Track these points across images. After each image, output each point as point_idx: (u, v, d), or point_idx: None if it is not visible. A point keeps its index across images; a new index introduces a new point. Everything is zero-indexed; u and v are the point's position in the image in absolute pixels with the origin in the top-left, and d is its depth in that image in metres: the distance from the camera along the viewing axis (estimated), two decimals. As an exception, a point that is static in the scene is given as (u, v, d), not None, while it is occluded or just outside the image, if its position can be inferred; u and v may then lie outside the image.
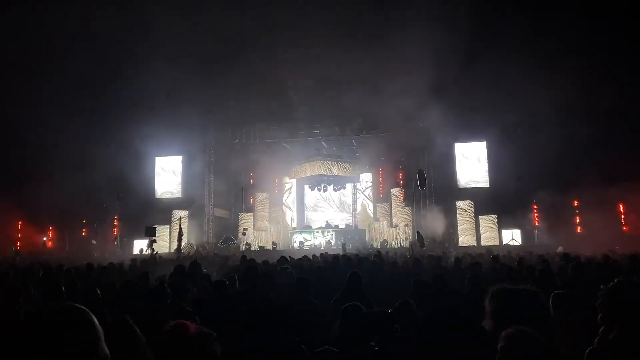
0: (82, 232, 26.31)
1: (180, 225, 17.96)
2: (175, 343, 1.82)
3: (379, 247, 22.51)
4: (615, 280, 2.42)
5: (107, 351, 1.48)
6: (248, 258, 11.20)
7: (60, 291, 4.46)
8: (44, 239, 25.95)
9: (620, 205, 22.19)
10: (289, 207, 29.41)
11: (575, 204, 22.65)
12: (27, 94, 22.28)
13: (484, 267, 8.44)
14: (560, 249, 19.75)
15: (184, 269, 7.15)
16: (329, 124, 25.30)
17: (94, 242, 24.98)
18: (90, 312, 1.47)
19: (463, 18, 19.96)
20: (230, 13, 20.82)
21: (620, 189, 20.38)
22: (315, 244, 25.00)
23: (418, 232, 18.22)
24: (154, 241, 17.16)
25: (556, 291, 4.10)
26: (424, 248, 17.13)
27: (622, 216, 22.22)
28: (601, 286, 2.45)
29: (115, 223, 26.29)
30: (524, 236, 23.42)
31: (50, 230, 26.49)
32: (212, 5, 21.02)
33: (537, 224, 23.22)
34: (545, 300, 2.36)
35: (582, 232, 21.99)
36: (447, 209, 23.84)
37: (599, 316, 2.41)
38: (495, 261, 9.51)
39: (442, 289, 5.38)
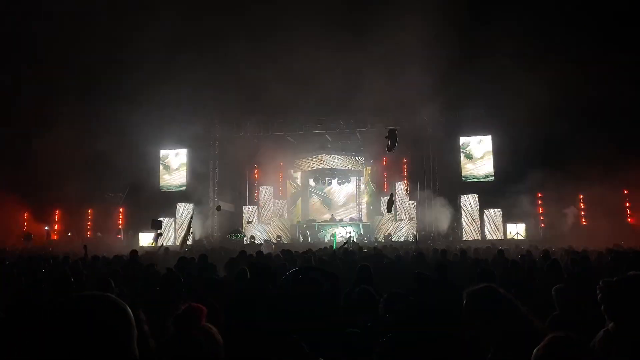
0: (88, 224, 26.42)
1: (191, 219, 17.76)
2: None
3: (383, 241, 22.54)
4: (615, 278, 2.42)
5: (137, 353, 1.27)
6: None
7: (69, 281, 4.41)
8: (46, 228, 25.98)
9: (626, 197, 22.08)
10: (293, 201, 29.42)
11: (581, 197, 22.56)
12: (29, 87, 22.38)
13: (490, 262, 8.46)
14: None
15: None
16: (334, 118, 25.25)
17: (100, 234, 25.11)
18: (127, 307, 1.27)
19: (469, 10, 19.82)
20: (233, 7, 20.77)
21: (625, 181, 20.31)
22: (320, 237, 25.06)
23: (391, 195, 18.37)
24: (160, 234, 17.21)
25: (558, 285, 4.12)
26: (390, 213, 17.45)
27: (628, 209, 22.13)
28: (600, 280, 2.44)
29: (120, 216, 26.41)
30: (528, 230, 23.35)
31: (57, 215, 26.64)
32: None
33: (542, 218, 23.13)
34: (506, 293, 2.40)
35: (587, 224, 21.93)
36: (451, 202, 23.80)
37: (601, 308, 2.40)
38: (500, 256, 9.50)
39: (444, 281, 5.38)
